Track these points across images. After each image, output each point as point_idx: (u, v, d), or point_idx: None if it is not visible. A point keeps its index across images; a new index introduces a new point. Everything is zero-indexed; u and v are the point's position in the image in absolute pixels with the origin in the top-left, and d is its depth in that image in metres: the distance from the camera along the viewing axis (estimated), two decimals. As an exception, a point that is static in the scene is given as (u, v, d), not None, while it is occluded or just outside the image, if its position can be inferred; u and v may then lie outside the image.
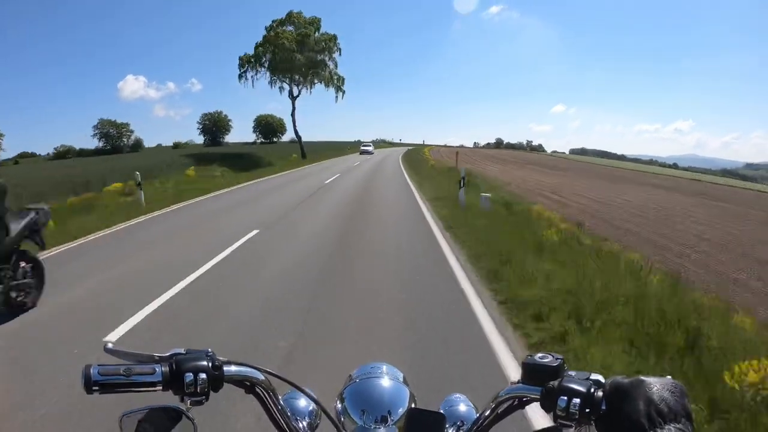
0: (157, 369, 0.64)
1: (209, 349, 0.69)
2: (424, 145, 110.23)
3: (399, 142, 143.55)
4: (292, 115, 42.06)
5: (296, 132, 43.18)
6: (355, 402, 0.83)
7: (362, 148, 52.98)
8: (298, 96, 41.69)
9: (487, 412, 0.71)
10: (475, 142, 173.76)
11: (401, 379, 0.90)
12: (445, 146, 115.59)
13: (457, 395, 0.95)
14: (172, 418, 0.68)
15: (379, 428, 0.79)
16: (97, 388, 0.61)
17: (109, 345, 0.66)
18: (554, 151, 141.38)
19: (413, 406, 0.83)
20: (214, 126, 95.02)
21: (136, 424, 0.67)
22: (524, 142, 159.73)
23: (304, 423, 0.84)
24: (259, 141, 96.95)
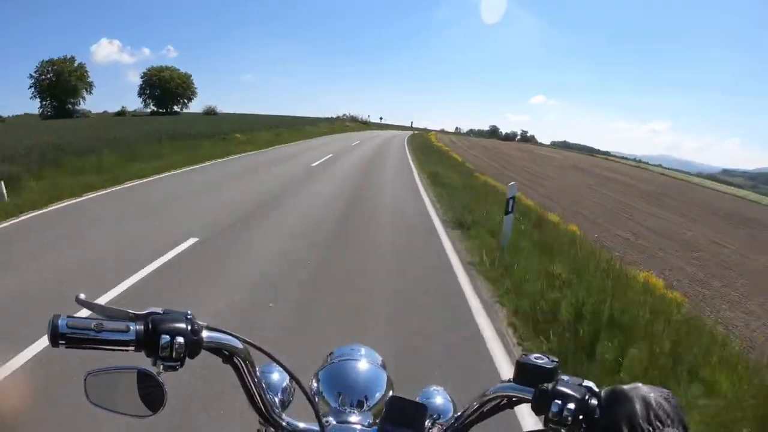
0: (131, 327, 0.58)
1: (188, 312, 0.63)
2: (413, 130, 75.68)
3: (379, 122, 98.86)
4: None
5: None
6: (332, 383, 0.82)
7: None
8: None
9: (473, 408, 0.68)
10: (457, 127, 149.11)
11: (380, 364, 0.88)
12: (426, 129, 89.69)
13: (435, 387, 0.93)
14: (142, 382, 0.61)
15: (354, 412, 0.77)
16: (64, 341, 0.56)
17: (81, 296, 0.61)
18: (540, 144, 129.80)
19: (391, 393, 0.80)
20: (57, 84, 56.53)
21: (102, 385, 0.62)
22: (518, 132, 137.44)
23: (277, 399, 0.81)
24: (149, 110, 62.92)
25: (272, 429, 0.74)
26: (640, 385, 0.54)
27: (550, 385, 0.58)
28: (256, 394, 0.71)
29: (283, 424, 0.74)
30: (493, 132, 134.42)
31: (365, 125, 75.35)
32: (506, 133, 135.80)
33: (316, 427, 0.71)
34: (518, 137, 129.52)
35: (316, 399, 0.79)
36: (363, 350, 0.88)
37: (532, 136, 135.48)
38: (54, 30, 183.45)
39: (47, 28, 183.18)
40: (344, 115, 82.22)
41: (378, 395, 0.80)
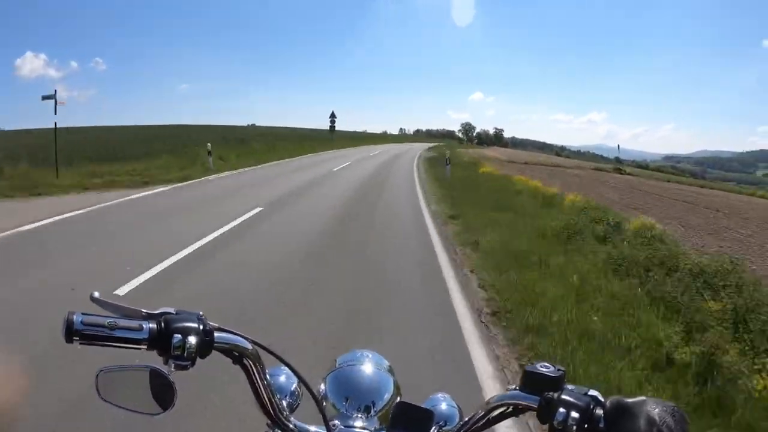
0: (144, 326, 0.60)
1: (200, 312, 0.65)
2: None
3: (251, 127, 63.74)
4: None
5: None
6: (339, 388, 0.84)
7: None
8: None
9: (479, 416, 0.69)
10: (400, 128, 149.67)
11: (387, 369, 0.89)
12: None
13: (441, 394, 0.94)
14: (153, 381, 0.64)
15: (361, 417, 0.79)
16: (78, 338, 0.58)
17: (96, 294, 0.61)
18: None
19: (399, 398, 0.82)
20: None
21: (113, 382, 0.64)
22: (490, 131, 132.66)
23: (285, 401, 0.82)
24: None
25: (279, 431, 0.76)
26: (646, 398, 0.55)
27: (555, 394, 0.59)
28: (265, 396, 0.73)
29: (291, 426, 0.76)
30: (467, 132, 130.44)
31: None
32: (477, 133, 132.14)
33: (323, 431, 0.73)
34: (492, 135, 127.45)
35: (324, 403, 0.81)
36: (370, 355, 0.91)
37: (503, 135, 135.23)
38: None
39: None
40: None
41: (385, 400, 0.82)
